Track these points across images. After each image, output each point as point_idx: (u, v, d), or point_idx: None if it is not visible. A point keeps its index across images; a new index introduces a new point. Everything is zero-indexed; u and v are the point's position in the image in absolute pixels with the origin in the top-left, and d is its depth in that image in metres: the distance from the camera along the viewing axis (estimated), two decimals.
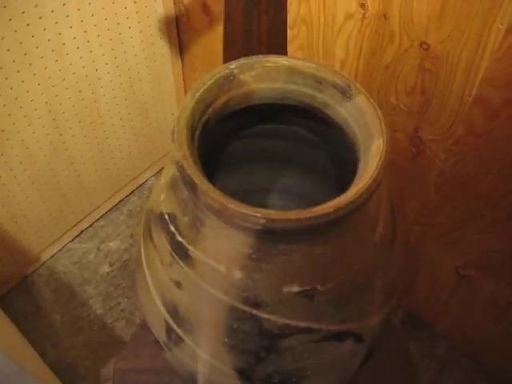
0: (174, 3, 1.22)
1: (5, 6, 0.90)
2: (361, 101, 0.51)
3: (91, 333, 1.23)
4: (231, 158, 0.73)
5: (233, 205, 0.41)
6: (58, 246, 1.36)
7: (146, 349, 0.82)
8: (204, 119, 0.51)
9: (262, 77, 0.54)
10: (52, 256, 1.35)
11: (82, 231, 1.40)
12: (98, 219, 1.43)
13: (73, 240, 1.39)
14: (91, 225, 1.42)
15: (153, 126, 1.41)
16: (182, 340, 0.53)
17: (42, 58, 1.02)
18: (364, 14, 0.85)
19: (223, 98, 0.52)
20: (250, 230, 0.43)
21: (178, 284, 0.50)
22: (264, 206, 0.77)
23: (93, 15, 1.06)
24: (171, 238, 0.49)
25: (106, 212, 1.44)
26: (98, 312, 1.27)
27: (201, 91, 0.50)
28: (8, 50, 0.95)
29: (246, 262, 0.45)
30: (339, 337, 0.52)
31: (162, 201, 0.51)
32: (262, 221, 0.41)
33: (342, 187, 0.47)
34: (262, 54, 0.55)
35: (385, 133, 0.47)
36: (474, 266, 1.00)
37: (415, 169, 0.96)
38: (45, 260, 1.34)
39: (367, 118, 0.49)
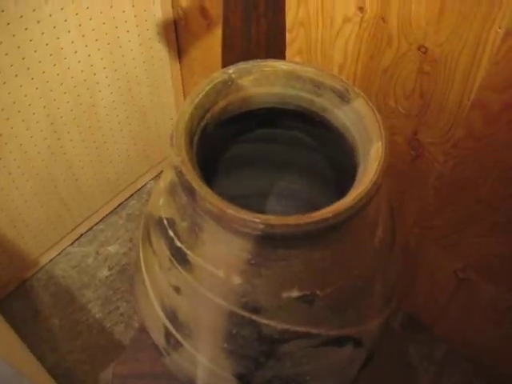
0: (173, 7, 1.22)
1: (3, 10, 0.90)
2: (359, 105, 0.51)
3: (90, 337, 1.23)
4: (230, 162, 0.73)
5: (232, 210, 0.41)
6: (57, 250, 1.36)
7: (144, 353, 0.81)
8: (202, 124, 0.51)
9: (260, 81, 0.54)
10: (51, 260, 1.35)
11: (81, 235, 1.40)
12: (96, 223, 1.43)
13: (72, 244, 1.38)
14: (90, 229, 1.42)
15: (151, 130, 1.41)
16: (181, 345, 0.53)
17: (40, 62, 1.02)
18: (362, 18, 0.85)
19: (222, 103, 0.52)
20: (248, 235, 0.43)
21: (177, 289, 0.50)
22: (263, 211, 0.77)
23: (91, 19, 1.06)
24: (170, 243, 0.49)
25: (105, 216, 1.44)
26: (97, 316, 1.26)
27: (199, 96, 0.50)
28: (6, 54, 0.95)
29: (245, 268, 0.45)
30: (338, 342, 0.52)
31: (161, 206, 0.51)
32: (261, 226, 0.41)
33: (342, 191, 0.47)
34: (260, 57, 0.55)
35: (384, 136, 0.47)
36: (473, 270, 0.99)
37: (414, 172, 0.96)
38: (43, 264, 1.34)
39: (366, 122, 0.49)
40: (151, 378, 0.79)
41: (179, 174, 0.44)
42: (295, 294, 0.46)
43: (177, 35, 1.28)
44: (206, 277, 0.47)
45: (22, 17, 0.94)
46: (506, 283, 0.96)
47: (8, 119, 1.03)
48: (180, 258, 0.48)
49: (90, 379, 1.17)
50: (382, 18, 0.83)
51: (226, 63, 0.68)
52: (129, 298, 1.30)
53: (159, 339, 0.56)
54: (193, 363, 0.54)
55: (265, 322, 0.47)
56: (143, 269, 0.55)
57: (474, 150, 0.84)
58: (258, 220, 0.41)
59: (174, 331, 0.53)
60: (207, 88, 0.51)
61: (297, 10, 0.93)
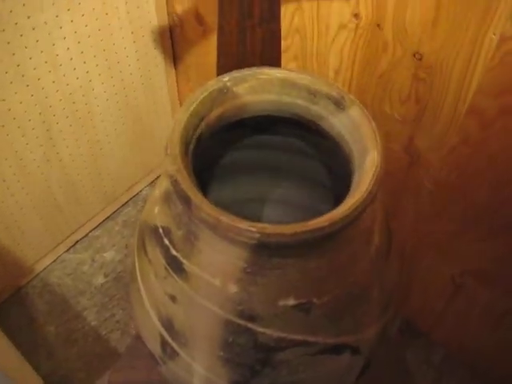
0: (168, 14, 1.22)
1: None
2: (355, 112, 0.51)
3: (86, 344, 1.22)
4: (226, 168, 0.73)
5: (227, 219, 0.41)
6: (52, 257, 1.35)
7: (140, 361, 0.81)
8: (198, 132, 0.50)
9: (255, 89, 0.54)
10: (46, 267, 1.34)
11: (77, 242, 1.39)
12: (92, 230, 1.42)
13: (67, 251, 1.38)
14: (85, 235, 1.41)
15: (147, 136, 1.41)
16: (177, 354, 0.53)
17: (35, 69, 1.02)
18: (358, 24, 0.85)
19: (217, 111, 0.52)
20: (244, 244, 0.43)
21: (173, 298, 0.49)
22: (259, 217, 0.77)
23: (86, 26, 1.06)
24: (166, 251, 0.49)
25: (101, 222, 1.44)
26: (93, 323, 1.26)
27: (194, 104, 0.50)
28: (1, 61, 0.95)
29: (240, 276, 0.45)
30: (336, 350, 0.51)
31: (157, 214, 0.51)
32: (257, 235, 0.41)
33: (338, 197, 0.47)
34: (255, 64, 0.55)
35: (379, 145, 0.47)
36: (470, 275, 0.99)
37: (410, 178, 0.96)
38: (39, 271, 1.33)
39: (361, 131, 0.49)
40: None
41: (174, 182, 0.44)
42: (291, 302, 0.46)
43: (172, 42, 1.28)
44: (201, 285, 0.47)
45: (16, 24, 0.94)
46: (502, 287, 0.96)
47: (3, 126, 1.03)
48: (176, 266, 0.48)
49: None
50: (378, 25, 0.83)
51: (221, 70, 0.68)
52: (125, 305, 1.29)
53: (155, 348, 0.56)
54: (189, 372, 0.53)
55: (261, 330, 0.47)
56: (139, 277, 0.55)
57: (470, 156, 0.84)
58: (253, 229, 0.41)
59: (170, 340, 0.52)
60: (202, 96, 0.51)
61: (292, 17, 0.93)
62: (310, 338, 0.49)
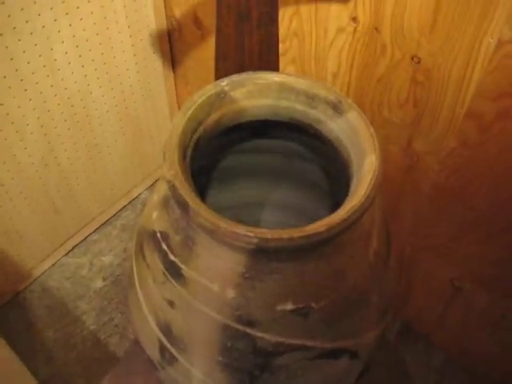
0: (166, 17, 1.22)
1: None
2: (353, 117, 0.51)
3: (85, 349, 1.22)
4: (224, 172, 0.73)
5: (225, 224, 0.41)
6: (51, 262, 1.35)
7: (139, 366, 0.81)
8: (196, 137, 0.50)
9: (253, 93, 0.53)
10: (44, 271, 1.34)
11: (75, 246, 1.39)
12: (90, 234, 1.42)
13: (66, 255, 1.38)
14: (84, 239, 1.41)
15: (145, 140, 1.41)
16: (176, 359, 0.52)
17: (33, 73, 1.02)
18: (356, 28, 0.85)
19: (215, 116, 0.52)
20: (242, 249, 0.42)
21: (171, 303, 0.49)
22: (257, 220, 0.77)
23: (84, 30, 1.06)
24: (164, 256, 0.49)
25: (99, 226, 1.43)
26: (92, 328, 1.25)
27: (192, 109, 0.50)
28: None
29: (239, 281, 0.45)
30: (334, 354, 0.51)
31: (155, 219, 0.51)
32: (255, 240, 0.41)
33: (336, 201, 0.47)
34: (254, 68, 0.55)
35: (377, 149, 0.47)
36: (469, 278, 0.99)
37: (409, 181, 0.96)
38: (37, 276, 1.33)
39: (359, 135, 0.49)
40: None
41: (172, 188, 0.44)
42: (289, 306, 0.46)
43: (171, 46, 1.28)
44: (200, 290, 0.47)
45: (15, 28, 0.94)
46: (501, 290, 0.96)
47: (1, 130, 1.03)
48: (174, 271, 0.48)
49: None
50: (376, 28, 0.83)
51: (219, 74, 0.68)
52: (123, 308, 1.29)
53: (154, 353, 0.55)
54: (187, 377, 0.53)
55: (259, 334, 0.47)
56: (137, 282, 0.55)
57: (469, 159, 0.84)
58: (251, 234, 0.40)
59: (168, 345, 0.52)
60: (200, 100, 0.51)
61: (290, 21, 0.93)
62: (309, 343, 0.48)
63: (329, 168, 0.66)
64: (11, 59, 0.96)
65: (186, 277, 0.47)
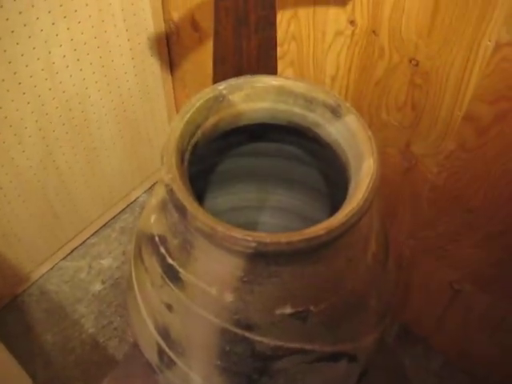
0: (164, 21, 1.22)
1: None
2: (351, 120, 0.51)
3: (83, 352, 1.22)
4: (222, 176, 0.73)
5: (223, 228, 0.41)
6: (49, 265, 1.35)
7: (138, 369, 0.81)
8: (194, 140, 0.50)
9: (251, 97, 0.53)
10: (43, 275, 1.34)
11: (74, 249, 1.39)
12: (89, 237, 1.42)
13: (64, 258, 1.37)
14: (83, 243, 1.41)
15: (144, 143, 1.41)
16: (174, 363, 0.52)
17: (31, 76, 1.02)
18: (354, 31, 0.85)
19: (213, 119, 0.52)
20: (241, 253, 0.42)
21: (170, 307, 0.49)
22: (256, 224, 0.77)
23: (82, 33, 1.06)
24: (162, 260, 0.49)
25: (98, 229, 1.43)
26: (90, 331, 1.25)
27: (190, 113, 0.49)
28: None
29: (237, 285, 0.45)
30: (333, 357, 0.51)
31: (153, 223, 0.51)
32: (253, 244, 0.40)
33: (335, 204, 0.47)
34: (252, 71, 0.55)
35: (375, 153, 0.47)
36: (468, 280, 0.99)
37: (408, 183, 0.96)
38: (35, 279, 1.33)
39: (358, 138, 0.49)
40: None
41: (170, 192, 0.44)
42: (288, 310, 0.46)
43: (169, 49, 1.28)
44: (198, 294, 0.47)
45: (13, 32, 0.94)
46: (500, 292, 0.96)
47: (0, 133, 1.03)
48: (172, 275, 0.48)
49: None
50: (374, 31, 0.83)
51: (217, 77, 0.68)
52: (122, 312, 1.29)
53: (152, 357, 0.55)
54: (186, 381, 0.53)
55: (258, 338, 0.47)
56: (135, 286, 0.54)
57: (467, 161, 0.84)
58: (250, 238, 0.40)
59: (166, 349, 0.52)
60: (198, 104, 0.51)
61: (288, 24, 0.93)
62: (307, 346, 0.48)
63: (327, 171, 0.66)
64: (9, 62, 0.96)
65: (183, 280, 0.47)
